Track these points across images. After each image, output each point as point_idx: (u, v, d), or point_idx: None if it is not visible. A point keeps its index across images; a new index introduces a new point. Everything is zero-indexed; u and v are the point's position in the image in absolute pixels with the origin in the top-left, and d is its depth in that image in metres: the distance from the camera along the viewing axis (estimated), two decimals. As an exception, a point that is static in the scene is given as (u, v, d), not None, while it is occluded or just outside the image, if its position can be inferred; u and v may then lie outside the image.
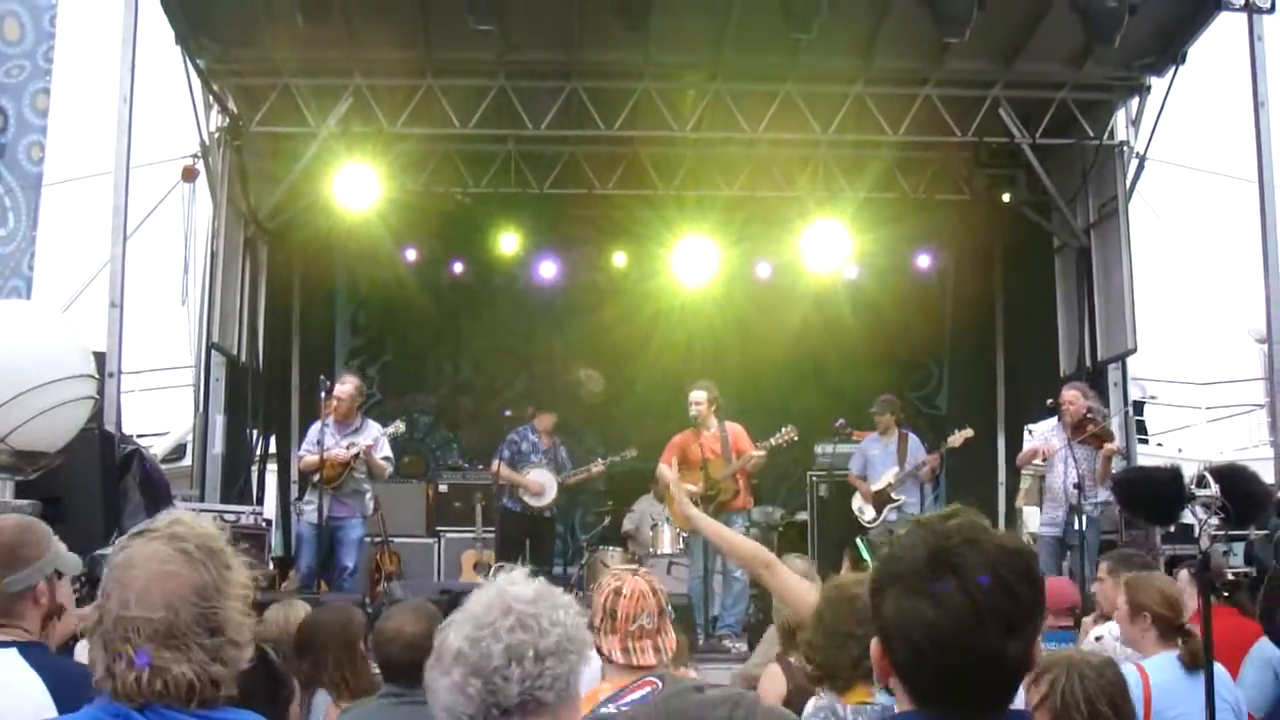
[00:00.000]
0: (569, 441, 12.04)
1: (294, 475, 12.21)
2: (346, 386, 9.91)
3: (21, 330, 4.43)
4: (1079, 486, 8.90)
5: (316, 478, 9.66)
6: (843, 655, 3.23)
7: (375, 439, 9.85)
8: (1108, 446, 9.36)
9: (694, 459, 9.67)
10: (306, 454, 9.87)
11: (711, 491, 9.43)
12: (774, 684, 4.91)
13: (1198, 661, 4.12)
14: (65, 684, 2.77)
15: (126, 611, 2.16)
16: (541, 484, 11.07)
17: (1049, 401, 9.75)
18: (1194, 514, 3.93)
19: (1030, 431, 9.98)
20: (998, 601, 1.72)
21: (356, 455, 9.70)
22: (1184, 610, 4.57)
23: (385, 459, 9.96)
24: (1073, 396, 9.54)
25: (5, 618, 2.95)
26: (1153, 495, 4.08)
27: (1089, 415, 9.43)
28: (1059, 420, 9.61)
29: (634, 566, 4.25)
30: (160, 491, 8.21)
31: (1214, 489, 3.93)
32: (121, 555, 2.25)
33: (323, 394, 9.74)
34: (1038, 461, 9.88)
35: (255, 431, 11.75)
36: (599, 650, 3.54)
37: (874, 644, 1.83)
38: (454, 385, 13.76)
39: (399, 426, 10.20)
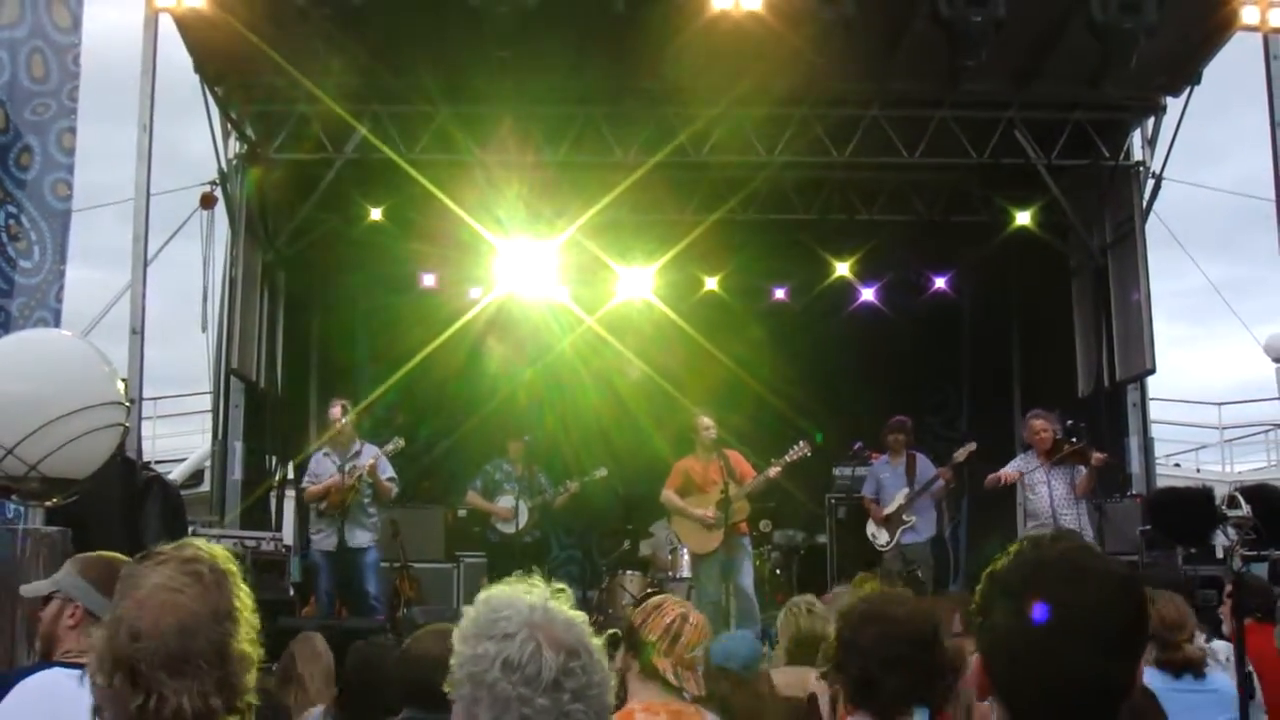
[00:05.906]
0: (582, 462, 12.04)
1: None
2: (335, 410, 9.96)
3: (49, 357, 4.43)
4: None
5: (323, 505, 9.76)
6: (890, 679, 2.96)
7: (375, 458, 9.89)
8: (1096, 455, 9.23)
9: (705, 480, 9.68)
10: (309, 485, 9.96)
11: (722, 514, 9.44)
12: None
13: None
14: None
15: (138, 637, 2.11)
16: (510, 510, 11.02)
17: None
18: (1226, 535, 3.90)
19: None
20: (1101, 623, 1.74)
21: (359, 477, 9.73)
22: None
23: (390, 479, 10.01)
24: (1042, 426, 9.41)
25: None
26: (1184, 516, 4.05)
27: (1060, 438, 9.34)
28: (1031, 451, 9.53)
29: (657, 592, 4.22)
30: (179, 518, 8.21)
31: (1245, 509, 3.90)
32: (132, 579, 2.20)
33: (339, 410, 9.87)
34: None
35: (273, 457, 11.77)
36: (655, 668, 3.51)
37: (975, 660, 1.84)
38: (473, 410, 13.69)
39: (398, 443, 10.22)
